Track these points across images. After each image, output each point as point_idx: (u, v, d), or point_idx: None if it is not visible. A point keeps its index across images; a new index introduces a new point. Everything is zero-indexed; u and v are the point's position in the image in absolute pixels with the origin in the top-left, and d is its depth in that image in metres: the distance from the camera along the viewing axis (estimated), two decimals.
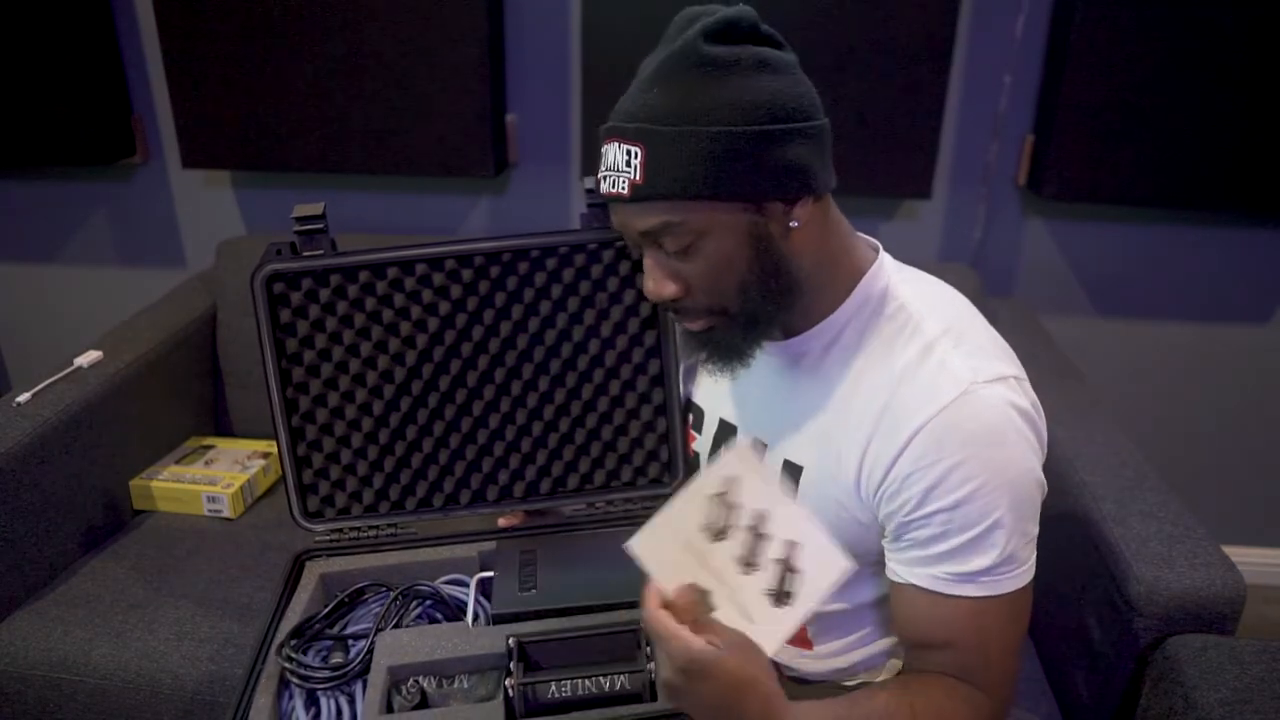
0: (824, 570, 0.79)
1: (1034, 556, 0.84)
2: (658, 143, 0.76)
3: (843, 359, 0.87)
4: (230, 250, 1.81)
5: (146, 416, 1.61)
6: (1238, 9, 1.56)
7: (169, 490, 1.57)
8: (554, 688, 0.89)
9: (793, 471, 0.91)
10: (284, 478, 1.11)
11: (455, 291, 1.09)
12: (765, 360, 0.93)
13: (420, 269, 1.07)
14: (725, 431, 1.00)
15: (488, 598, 1.01)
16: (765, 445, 0.94)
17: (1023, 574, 0.82)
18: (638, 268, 1.07)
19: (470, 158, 1.76)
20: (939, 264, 1.82)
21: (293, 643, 0.96)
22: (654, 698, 0.88)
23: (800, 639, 1.02)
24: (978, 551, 0.80)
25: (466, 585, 1.05)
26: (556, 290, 1.10)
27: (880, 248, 0.92)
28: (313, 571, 1.08)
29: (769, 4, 1.59)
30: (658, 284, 0.82)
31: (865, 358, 0.86)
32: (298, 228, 1.07)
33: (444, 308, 1.09)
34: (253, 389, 1.79)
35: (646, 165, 0.76)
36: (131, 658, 1.26)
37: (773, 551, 0.80)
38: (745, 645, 0.77)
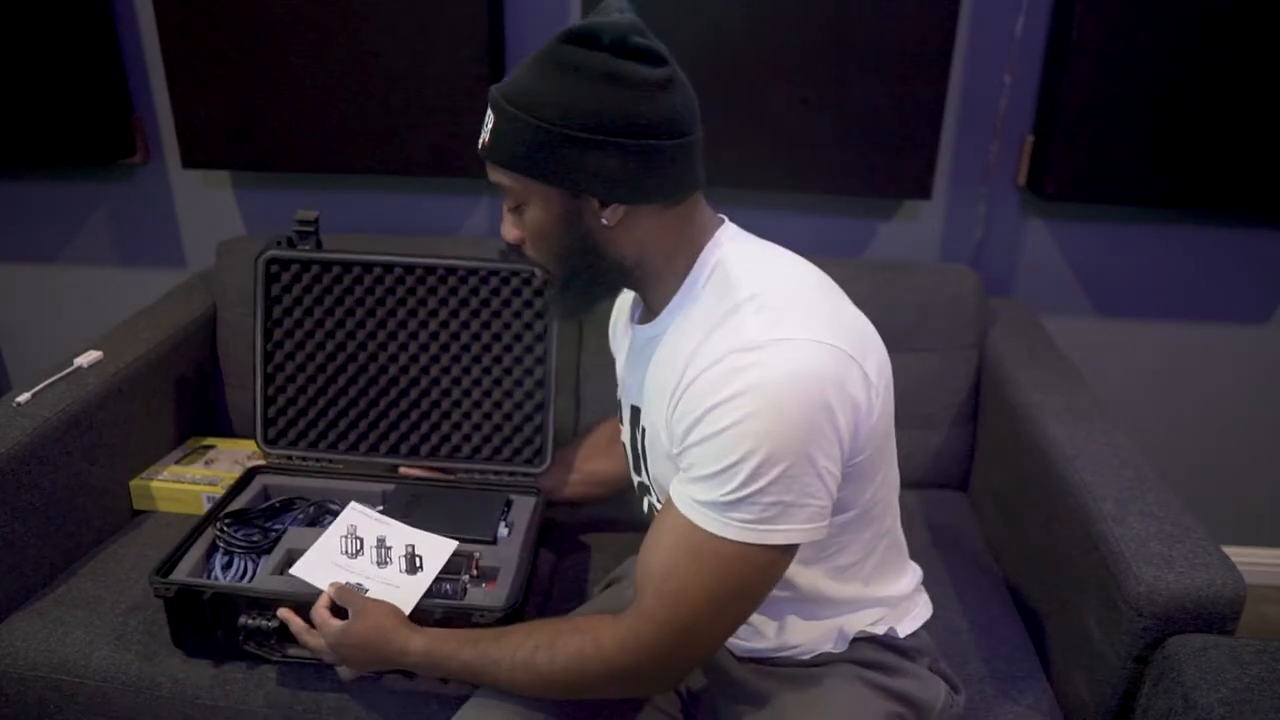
0: (439, 550, 1.24)
1: (785, 532, 0.84)
2: (501, 117, 0.87)
3: (681, 328, 0.93)
4: (230, 250, 1.80)
5: (146, 416, 1.61)
6: (1238, 9, 1.56)
7: (169, 490, 1.57)
8: None
9: (645, 434, 1.00)
10: (254, 411, 1.49)
11: (400, 291, 1.46)
12: (642, 346, 1.01)
13: (377, 270, 1.46)
14: (635, 416, 1.05)
15: None
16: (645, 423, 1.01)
17: (748, 530, 0.83)
18: (536, 293, 1.43)
19: (470, 158, 1.76)
20: (939, 264, 1.81)
21: (228, 521, 1.32)
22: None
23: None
24: (709, 486, 0.84)
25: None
26: (474, 301, 1.45)
27: (725, 220, 0.97)
28: (260, 482, 1.46)
29: (770, 4, 1.60)
30: (505, 229, 0.96)
31: (692, 323, 0.91)
32: (296, 227, 1.44)
33: (390, 301, 1.46)
34: (252, 389, 1.78)
35: (493, 132, 0.88)
36: (132, 659, 1.26)
37: (398, 551, 1.22)
38: (369, 606, 1.08)
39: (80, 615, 1.32)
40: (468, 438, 1.49)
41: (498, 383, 1.47)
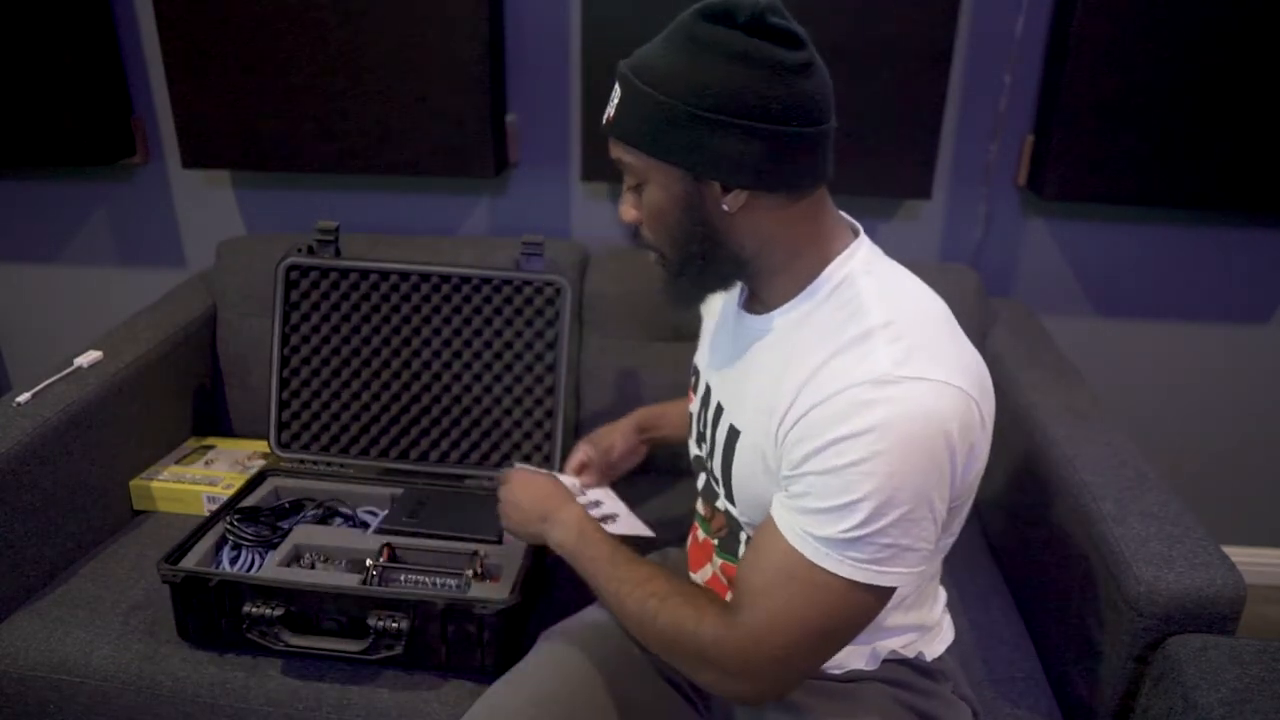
0: (633, 526, 1.22)
1: (895, 575, 0.82)
2: (628, 91, 0.85)
3: (795, 338, 0.90)
4: (230, 250, 1.81)
5: (146, 416, 1.61)
6: (1237, 9, 1.56)
7: (169, 490, 1.57)
8: (402, 576, 1.29)
9: (734, 436, 0.96)
10: (269, 415, 1.53)
11: (415, 298, 1.50)
12: (742, 334, 0.97)
13: (393, 278, 1.50)
14: (709, 396, 1.04)
15: None
16: (722, 409, 1.00)
17: (860, 569, 0.81)
18: (548, 301, 1.47)
19: (470, 158, 1.76)
20: (939, 264, 1.82)
21: (239, 516, 1.36)
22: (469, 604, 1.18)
23: None
24: (825, 521, 0.81)
25: (377, 513, 1.45)
26: (486, 309, 1.49)
27: (860, 232, 0.94)
28: (271, 484, 1.49)
29: None
30: (623, 208, 0.92)
31: (812, 338, 0.88)
32: (317, 236, 1.49)
33: (405, 309, 1.50)
34: (252, 389, 1.78)
35: (619, 106, 0.86)
36: (132, 659, 1.26)
37: (604, 509, 1.23)
38: (553, 479, 1.14)
39: (80, 615, 1.32)
40: (477, 444, 1.52)
41: (508, 390, 1.50)
